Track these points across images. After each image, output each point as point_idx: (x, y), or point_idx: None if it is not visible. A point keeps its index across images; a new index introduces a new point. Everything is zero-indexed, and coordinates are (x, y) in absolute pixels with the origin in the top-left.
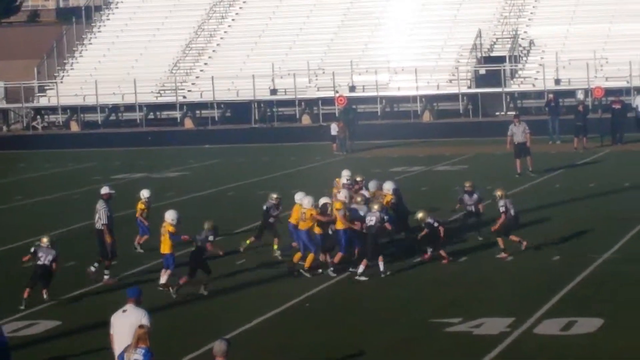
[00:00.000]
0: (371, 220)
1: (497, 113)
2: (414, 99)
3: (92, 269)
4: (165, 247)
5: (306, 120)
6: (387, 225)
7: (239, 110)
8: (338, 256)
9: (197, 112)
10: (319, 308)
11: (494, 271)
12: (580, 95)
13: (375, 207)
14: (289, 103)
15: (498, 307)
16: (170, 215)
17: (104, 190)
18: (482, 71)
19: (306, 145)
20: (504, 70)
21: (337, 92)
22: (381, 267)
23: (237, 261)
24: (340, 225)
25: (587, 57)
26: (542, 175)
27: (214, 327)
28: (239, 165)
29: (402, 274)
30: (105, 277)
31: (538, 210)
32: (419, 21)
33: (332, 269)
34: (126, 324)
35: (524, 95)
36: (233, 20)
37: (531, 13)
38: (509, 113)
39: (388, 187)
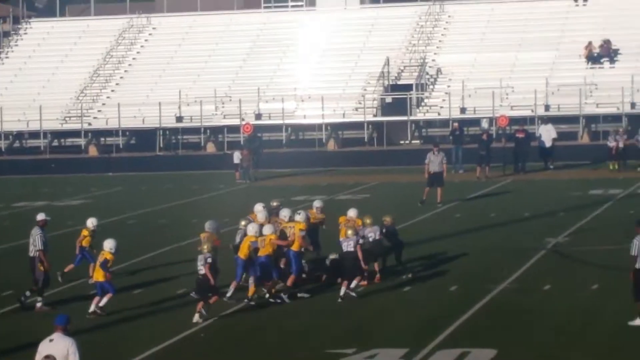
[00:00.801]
0: (349, 245)
1: (402, 142)
2: (319, 127)
3: (38, 304)
4: (99, 275)
5: (211, 148)
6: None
7: (144, 137)
8: (291, 279)
9: (102, 139)
10: (214, 339)
11: (391, 301)
12: (484, 124)
13: (350, 232)
14: (195, 131)
15: (393, 337)
16: (109, 245)
17: (40, 216)
18: (389, 99)
19: (210, 173)
20: (410, 98)
21: (243, 119)
22: (342, 291)
23: (135, 291)
24: (297, 247)
25: (494, 85)
26: (445, 204)
27: (109, 356)
28: (142, 193)
29: (298, 302)
30: (38, 304)
31: (438, 240)
32: (327, 49)
33: (286, 294)
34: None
35: (429, 123)
36: (142, 46)
37: (439, 41)
38: (413, 142)
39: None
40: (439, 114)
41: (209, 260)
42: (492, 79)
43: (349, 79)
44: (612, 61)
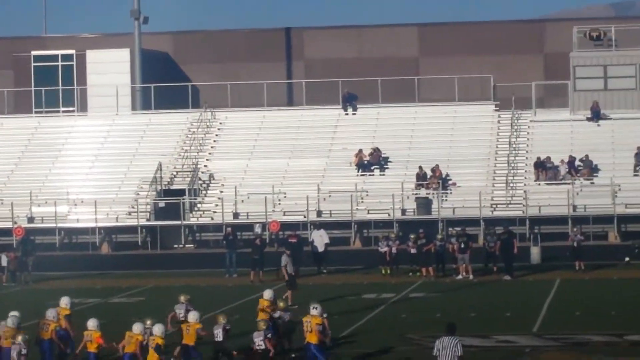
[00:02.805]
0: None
1: (176, 246)
2: (93, 230)
3: None
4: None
5: None
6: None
7: None
8: None
9: None
10: None
11: None
12: (257, 229)
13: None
14: None
15: None
16: (159, 329)
17: None
18: (162, 204)
19: None
20: (184, 203)
21: (15, 223)
22: None
23: None
24: (316, 340)
25: (266, 191)
26: (221, 307)
27: None
28: None
29: None
30: None
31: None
32: (100, 154)
33: None
34: None
35: (203, 228)
36: None
37: (211, 147)
38: (187, 246)
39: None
40: (212, 219)
41: (269, 335)
42: (265, 185)
43: (122, 184)
44: (382, 169)
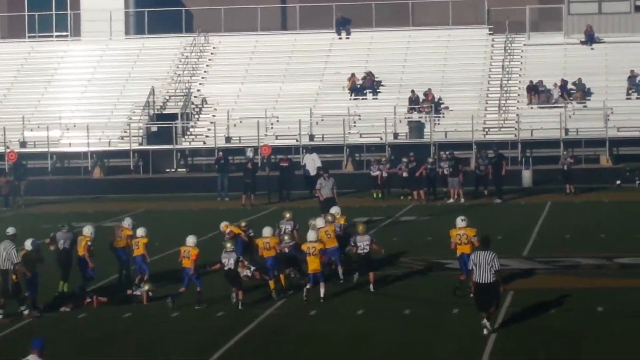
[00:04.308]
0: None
1: (168, 170)
2: (85, 155)
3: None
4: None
5: None
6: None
7: None
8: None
9: None
10: None
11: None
12: (249, 153)
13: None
14: None
15: None
16: (191, 240)
17: (11, 230)
18: (154, 128)
19: None
20: (176, 127)
21: (8, 147)
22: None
23: None
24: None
25: (259, 115)
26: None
27: None
28: None
29: None
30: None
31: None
32: (92, 78)
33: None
34: None
35: (195, 152)
36: None
37: (204, 72)
38: (179, 170)
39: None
40: (204, 143)
41: (375, 240)
42: (257, 109)
43: (115, 108)
44: (374, 93)
